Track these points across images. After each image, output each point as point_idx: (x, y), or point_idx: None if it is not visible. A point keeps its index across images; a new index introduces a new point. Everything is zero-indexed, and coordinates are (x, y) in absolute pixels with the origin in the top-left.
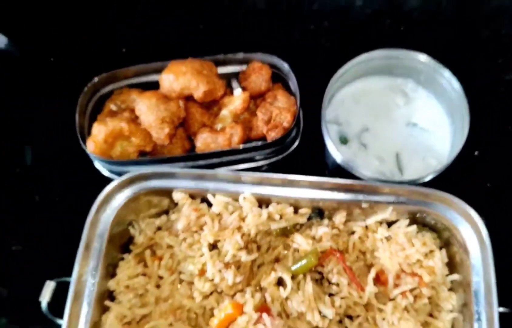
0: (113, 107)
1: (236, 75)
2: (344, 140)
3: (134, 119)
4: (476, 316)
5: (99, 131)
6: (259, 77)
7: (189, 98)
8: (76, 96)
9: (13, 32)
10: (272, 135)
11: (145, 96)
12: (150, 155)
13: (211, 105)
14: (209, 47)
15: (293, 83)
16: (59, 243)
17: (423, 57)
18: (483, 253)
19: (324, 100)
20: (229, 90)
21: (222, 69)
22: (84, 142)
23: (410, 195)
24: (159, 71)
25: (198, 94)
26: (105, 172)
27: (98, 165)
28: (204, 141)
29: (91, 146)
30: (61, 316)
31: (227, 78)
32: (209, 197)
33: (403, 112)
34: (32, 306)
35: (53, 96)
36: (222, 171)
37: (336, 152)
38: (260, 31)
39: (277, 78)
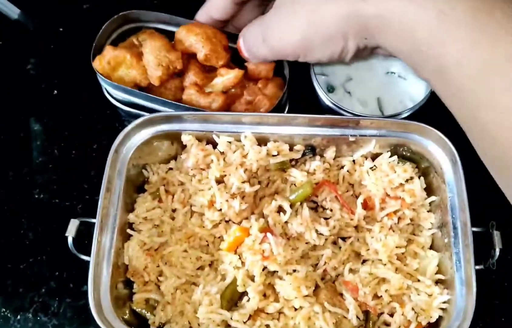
0: (135, 41)
1: None
2: (331, 89)
3: (140, 55)
4: (452, 228)
5: (107, 53)
6: (263, 65)
7: (193, 57)
8: None
9: (26, 3)
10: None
11: (154, 38)
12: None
13: (211, 70)
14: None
15: (286, 69)
16: (77, 190)
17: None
18: (456, 173)
19: None
20: (233, 65)
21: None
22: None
23: (390, 126)
24: None
25: (199, 55)
26: (106, 94)
27: (105, 88)
28: (189, 96)
29: (96, 63)
30: (84, 253)
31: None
32: (214, 136)
33: (383, 63)
34: (58, 247)
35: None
36: (223, 113)
37: (325, 97)
38: None
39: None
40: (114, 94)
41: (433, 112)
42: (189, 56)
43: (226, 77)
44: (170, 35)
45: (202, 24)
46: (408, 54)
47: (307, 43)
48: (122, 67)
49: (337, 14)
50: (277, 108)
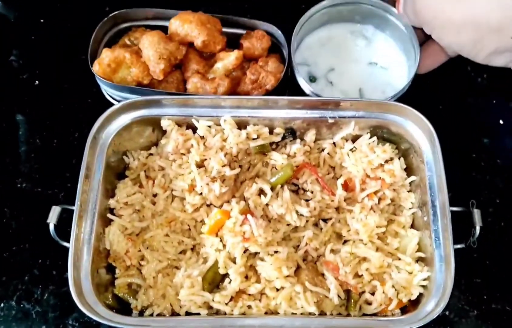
0: (127, 41)
1: (239, 36)
2: (313, 79)
3: (139, 53)
4: (431, 206)
5: (106, 56)
6: (258, 43)
7: (191, 46)
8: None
9: None
10: (255, 93)
11: (150, 33)
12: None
13: (210, 57)
14: (221, 7)
15: (286, 52)
16: (60, 179)
17: (375, 0)
18: (434, 152)
19: (292, 44)
20: (228, 49)
21: (228, 29)
22: (92, 64)
23: (369, 107)
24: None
25: (197, 42)
26: (106, 95)
27: (102, 87)
28: (194, 85)
29: (96, 67)
30: (67, 240)
31: (231, 38)
32: (194, 121)
33: (365, 53)
34: (40, 235)
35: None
36: (203, 97)
37: (306, 86)
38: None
39: (273, 48)
40: (116, 95)
41: (412, 96)
42: (186, 47)
43: (227, 60)
44: (161, 30)
45: (194, 12)
46: None
47: (461, 25)
48: (122, 68)
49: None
50: (283, 83)
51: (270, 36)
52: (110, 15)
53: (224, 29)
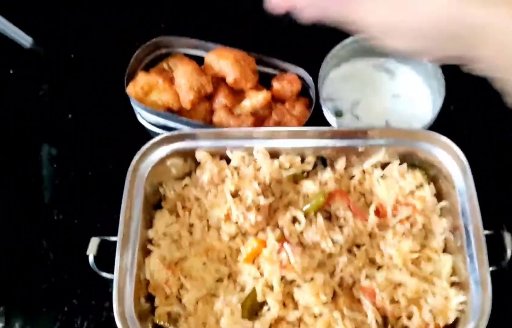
0: (165, 66)
1: (271, 76)
2: (339, 114)
3: (172, 79)
4: (464, 231)
5: (140, 78)
6: (288, 86)
7: (223, 80)
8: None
9: (38, 32)
10: None
11: (185, 63)
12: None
13: (239, 93)
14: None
15: (312, 91)
16: (95, 210)
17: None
18: (465, 178)
19: (318, 81)
20: (261, 87)
21: (262, 68)
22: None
23: (398, 135)
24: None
25: (229, 79)
26: (138, 117)
27: (135, 109)
28: (219, 117)
29: (130, 88)
30: (105, 270)
31: (264, 77)
32: (228, 152)
33: (388, 86)
34: (78, 265)
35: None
36: (236, 130)
37: (333, 121)
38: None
39: (303, 90)
40: (146, 117)
41: (440, 123)
42: (218, 80)
43: (255, 99)
44: (198, 60)
45: (231, 49)
46: (506, 68)
47: (398, 27)
48: (154, 92)
49: (440, 12)
50: (316, 113)
51: (301, 79)
52: (154, 40)
53: (258, 68)
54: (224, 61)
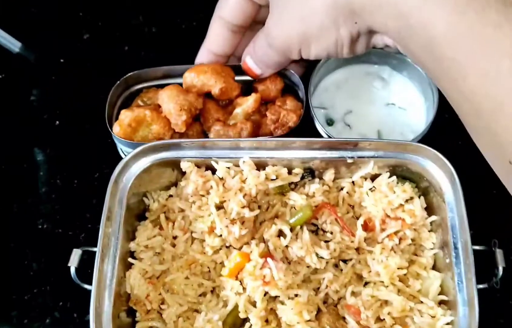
0: (140, 103)
1: (251, 82)
2: (330, 122)
3: (157, 109)
4: (453, 248)
5: (126, 116)
6: (272, 85)
7: (207, 96)
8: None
9: (27, 37)
10: (278, 133)
11: (168, 88)
12: None
13: (227, 105)
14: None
15: (301, 92)
16: (80, 220)
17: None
18: (455, 192)
19: (309, 88)
20: (243, 96)
21: (240, 78)
22: (111, 127)
23: (388, 147)
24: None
25: (215, 91)
26: (122, 154)
27: (121, 148)
28: (217, 133)
29: (117, 129)
30: (87, 282)
31: (244, 85)
32: (213, 163)
33: (382, 95)
34: (61, 277)
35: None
36: (222, 140)
37: (323, 131)
38: None
39: (288, 89)
40: None
41: (431, 135)
42: (203, 98)
43: (246, 105)
44: None
45: (206, 64)
46: (397, 31)
47: (303, 37)
48: (143, 126)
49: (324, 3)
50: (304, 119)
51: (284, 78)
52: (122, 78)
53: (237, 78)
54: (205, 76)
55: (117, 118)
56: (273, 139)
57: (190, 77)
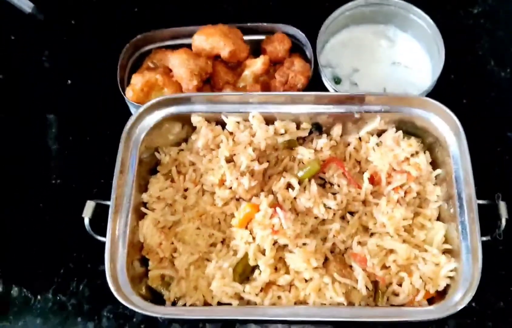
0: (150, 64)
1: (259, 42)
2: (337, 81)
3: (168, 73)
4: (457, 198)
5: (137, 81)
6: (280, 45)
7: (216, 58)
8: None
9: None
10: None
11: (178, 52)
12: None
13: (236, 66)
14: (237, 17)
15: (309, 52)
16: (92, 175)
17: (397, 1)
18: (460, 145)
19: (317, 47)
20: (252, 56)
21: (248, 37)
22: (124, 91)
23: (393, 101)
24: (191, 35)
25: (224, 53)
26: None
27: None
28: None
29: (130, 94)
30: (101, 234)
31: (252, 45)
32: (223, 117)
33: (388, 53)
34: (75, 229)
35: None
36: (231, 93)
37: (331, 88)
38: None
39: (295, 48)
40: None
41: (436, 91)
42: (212, 60)
43: (255, 67)
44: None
45: (214, 26)
46: None
47: None
48: (155, 90)
49: None
50: (312, 81)
51: (291, 37)
52: (131, 41)
53: (245, 37)
54: (214, 38)
55: (128, 81)
56: (282, 94)
57: (199, 40)
